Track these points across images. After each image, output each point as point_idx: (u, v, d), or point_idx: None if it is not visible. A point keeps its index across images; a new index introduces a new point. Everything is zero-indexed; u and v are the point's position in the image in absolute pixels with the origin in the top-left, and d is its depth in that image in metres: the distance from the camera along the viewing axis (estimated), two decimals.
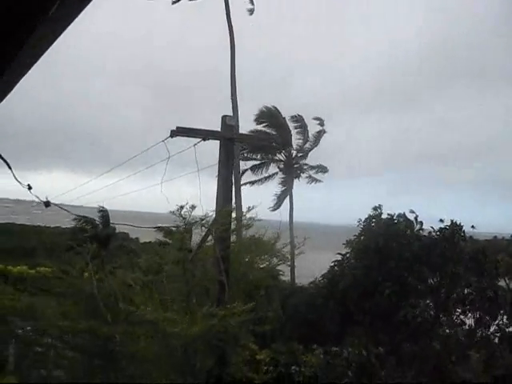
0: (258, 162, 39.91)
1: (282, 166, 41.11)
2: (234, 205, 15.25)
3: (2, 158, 6.36)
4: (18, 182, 6.17)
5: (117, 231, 45.52)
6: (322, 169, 41.90)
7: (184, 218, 13.48)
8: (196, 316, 12.96)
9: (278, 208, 40.10)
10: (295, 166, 40.98)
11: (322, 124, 39.08)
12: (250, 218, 14.67)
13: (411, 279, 16.06)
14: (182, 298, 13.67)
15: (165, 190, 13.98)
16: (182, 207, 13.42)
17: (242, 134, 13.83)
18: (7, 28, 2.90)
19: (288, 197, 40.51)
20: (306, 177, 41.81)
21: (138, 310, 13.42)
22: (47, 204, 7.14)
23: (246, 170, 38.55)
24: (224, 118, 13.76)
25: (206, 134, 13.69)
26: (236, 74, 33.82)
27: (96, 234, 41.79)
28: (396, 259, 16.33)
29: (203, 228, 14.26)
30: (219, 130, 14.14)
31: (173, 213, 13.50)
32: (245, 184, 38.73)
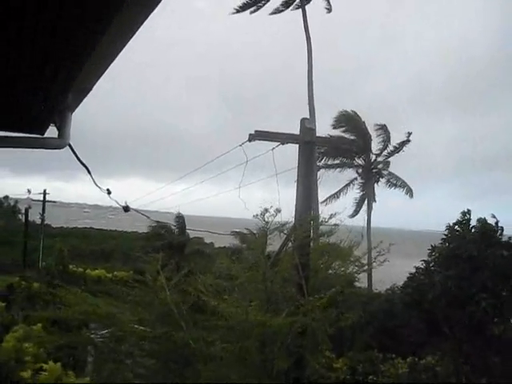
0: (335, 167, 39.22)
1: (360, 171, 40.29)
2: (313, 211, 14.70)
3: (83, 164, 6.15)
4: (98, 186, 6.02)
5: (191, 236, 45.86)
6: (395, 177, 40.80)
7: (267, 223, 13.02)
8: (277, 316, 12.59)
9: (356, 214, 39.22)
10: (374, 170, 40.01)
11: (408, 135, 38.23)
12: (334, 225, 14.08)
13: (506, 292, 15.01)
14: (261, 304, 13.24)
15: (238, 196, 13.71)
16: (266, 210, 12.97)
17: (321, 138, 13.26)
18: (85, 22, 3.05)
19: (366, 202, 39.64)
20: (386, 181, 40.79)
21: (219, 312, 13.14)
22: (126, 209, 6.91)
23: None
24: (303, 120, 13.28)
25: (284, 138, 13.25)
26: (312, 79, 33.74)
27: (171, 240, 42.21)
28: (491, 269, 15.27)
29: (280, 234, 13.81)
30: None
31: (256, 216, 13.06)
32: (327, 199, 38.37)
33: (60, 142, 5.40)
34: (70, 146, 5.72)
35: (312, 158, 13.42)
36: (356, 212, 39.96)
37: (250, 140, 12.87)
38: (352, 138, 36.87)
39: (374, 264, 15.05)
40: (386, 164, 39.79)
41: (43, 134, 5.60)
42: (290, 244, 13.83)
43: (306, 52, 34.42)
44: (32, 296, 32.08)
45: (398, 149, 38.74)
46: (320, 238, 14.24)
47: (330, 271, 15.52)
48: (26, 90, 4.72)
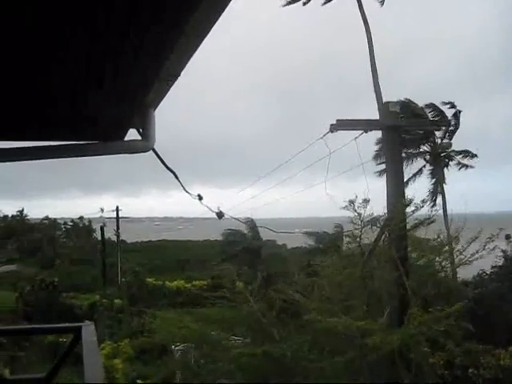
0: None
1: (427, 157, 38.56)
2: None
3: (169, 168, 5.46)
4: (188, 192, 5.39)
5: (264, 239, 45.28)
6: (468, 153, 38.80)
7: (359, 214, 12.01)
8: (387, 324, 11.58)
9: (434, 202, 37.47)
10: (442, 154, 38.20)
11: (453, 106, 35.97)
12: (432, 214, 12.93)
13: None
14: (361, 305, 12.27)
15: (312, 193, 12.89)
16: (352, 202, 11.98)
17: (407, 122, 12.16)
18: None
19: (439, 188, 37.89)
20: (455, 164, 38.89)
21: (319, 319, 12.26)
22: (220, 215, 6.21)
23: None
24: (386, 104, 12.26)
25: (368, 125, 12.27)
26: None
27: (247, 245, 41.73)
28: None
29: (372, 228, 12.77)
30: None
31: (346, 207, 12.05)
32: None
33: (144, 144, 4.69)
34: (153, 149, 5.01)
35: (398, 143, 12.37)
36: (433, 200, 38.23)
37: (331, 130, 11.97)
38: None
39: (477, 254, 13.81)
40: (449, 142, 37.95)
41: (123, 139, 4.90)
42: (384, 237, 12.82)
43: (366, 39, 33.04)
44: (116, 313, 32.18)
45: (456, 124, 36.73)
46: (416, 227, 13.00)
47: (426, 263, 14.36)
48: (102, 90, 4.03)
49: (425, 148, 38.04)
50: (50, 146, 4.64)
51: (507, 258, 29.73)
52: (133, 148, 4.75)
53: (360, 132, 12.28)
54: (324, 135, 12.19)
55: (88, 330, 4.48)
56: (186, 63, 4.04)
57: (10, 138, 4.67)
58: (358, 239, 12.16)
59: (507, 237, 38.14)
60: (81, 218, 75.44)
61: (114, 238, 54.15)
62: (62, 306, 36.97)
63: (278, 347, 12.02)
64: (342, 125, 12.06)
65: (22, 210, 77.29)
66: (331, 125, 11.98)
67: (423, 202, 13.19)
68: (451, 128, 36.10)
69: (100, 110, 4.38)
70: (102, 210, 57.74)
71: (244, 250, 41.99)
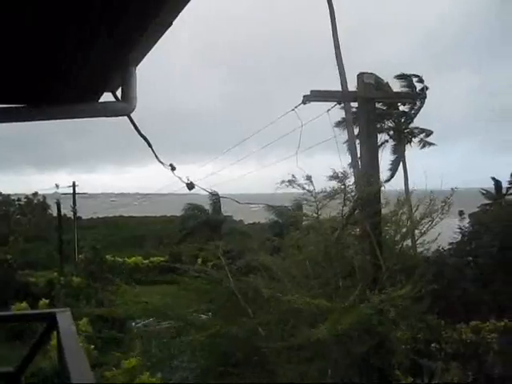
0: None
1: (391, 133, 38.60)
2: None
3: (142, 136, 4.94)
4: (160, 162, 4.95)
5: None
6: (427, 132, 39.11)
7: (309, 191, 11.58)
8: (348, 302, 11.33)
9: (391, 178, 37.62)
10: (405, 131, 38.27)
11: (421, 80, 35.62)
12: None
13: None
14: (329, 282, 11.98)
15: (282, 169, 12.55)
16: (292, 180, 11.55)
17: (382, 93, 11.81)
18: None
19: (402, 165, 38.04)
20: (418, 141, 39.08)
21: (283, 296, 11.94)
22: (191, 186, 5.79)
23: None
24: (361, 75, 11.87)
25: (342, 96, 11.90)
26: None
27: (207, 220, 41.30)
28: None
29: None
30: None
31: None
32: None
33: (123, 107, 4.15)
34: (129, 117, 4.48)
35: (373, 115, 12.03)
36: (392, 176, 38.37)
37: (304, 102, 11.53)
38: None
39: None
40: (411, 119, 38.06)
41: (98, 100, 4.35)
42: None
43: (329, 16, 32.29)
44: (74, 291, 31.42)
45: (422, 101, 36.59)
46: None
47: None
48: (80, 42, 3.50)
49: (388, 124, 38.01)
50: (16, 107, 4.08)
51: (464, 234, 30.11)
52: (110, 110, 4.22)
53: (332, 104, 11.89)
54: (296, 106, 11.76)
55: (64, 317, 3.97)
56: (181, 10, 3.55)
57: None
58: (314, 214, 11.82)
59: (460, 213, 38.76)
60: (35, 194, 73.84)
61: (70, 215, 53.11)
62: (18, 284, 35.93)
63: (252, 323, 11.64)
64: (316, 95, 11.64)
65: None
66: (304, 96, 11.56)
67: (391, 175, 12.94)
68: (417, 104, 35.98)
69: (75, 67, 3.84)
70: (58, 186, 56.36)
71: (204, 224, 41.57)
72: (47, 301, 31.93)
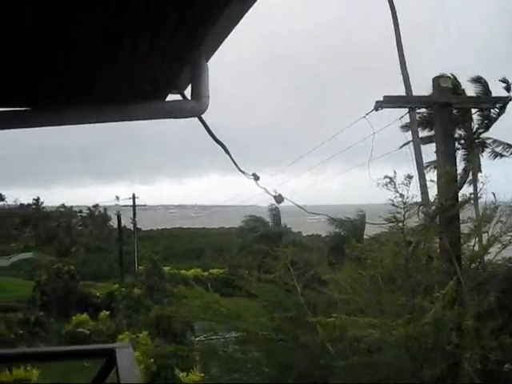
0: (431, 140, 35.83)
1: (462, 142, 36.90)
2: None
3: (218, 141, 4.36)
4: (241, 171, 4.36)
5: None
6: (502, 144, 36.95)
7: (402, 196, 10.67)
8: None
9: (461, 187, 35.70)
10: (477, 140, 36.44)
11: (508, 88, 33.16)
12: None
13: None
14: (405, 299, 11.11)
15: (345, 180, 11.82)
16: (392, 179, 10.64)
17: (461, 98, 10.93)
18: None
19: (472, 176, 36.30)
20: (489, 152, 37.16)
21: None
22: (279, 199, 5.22)
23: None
24: (437, 79, 11.04)
25: (417, 102, 11.10)
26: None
27: (267, 232, 40.67)
28: None
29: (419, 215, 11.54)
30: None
31: (386, 186, 10.66)
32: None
33: (194, 106, 3.57)
34: (200, 119, 3.91)
35: (451, 122, 11.17)
36: (461, 186, 36.47)
37: (376, 108, 10.78)
38: None
39: None
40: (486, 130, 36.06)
41: (165, 99, 3.79)
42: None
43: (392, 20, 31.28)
44: (134, 303, 31.38)
45: (501, 110, 34.44)
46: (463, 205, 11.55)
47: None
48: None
49: (459, 132, 36.30)
50: (79, 110, 3.57)
51: None
52: (179, 111, 3.63)
53: (403, 111, 11.11)
54: (368, 113, 11.02)
55: (125, 354, 3.38)
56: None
57: (31, 105, 3.64)
58: (400, 224, 10.92)
59: None
60: (96, 206, 75.18)
61: (130, 226, 53.53)
62: (79, 295, 36.26)
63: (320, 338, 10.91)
64: (389, 101, 10.87)
65: (38, 198, 77.13)
66: (377, 101, 10.81)
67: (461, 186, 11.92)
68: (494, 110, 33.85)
69: (136, 60, 3.30)
70: (118, 198, 57.14)
71: (263, 236, 40.96)
72: (107, 312, 32.03)
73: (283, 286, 13.71)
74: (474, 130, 35.59)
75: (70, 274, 37.31)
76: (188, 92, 3.72)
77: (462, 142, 36.42)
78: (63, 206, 75.68)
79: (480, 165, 36.31)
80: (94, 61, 3.23)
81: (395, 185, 10.44)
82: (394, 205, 10.97)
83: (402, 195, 10.50)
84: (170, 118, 3.69)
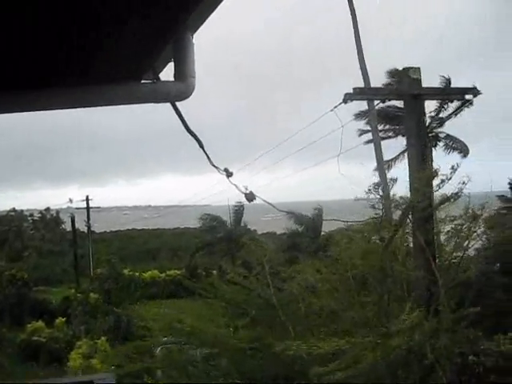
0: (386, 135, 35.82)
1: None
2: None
3: (193, 135, 3.82)
4: (214, 166, 3.88)
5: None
6: (454, 139, 37.27)
7: (381, 197, 10.37)
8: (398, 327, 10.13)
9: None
10: (430, 135, 36.66)
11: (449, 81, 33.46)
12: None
13: None
14: (377, 302, 10.76)
15: (310, 176, 11.43)
16: (378, 185, 10.40)
17: (431, 89, 10.63)
18: None
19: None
20: (443, 145, 37.39)
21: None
22: (250, 197, 4.76)
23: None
24: (406, 70, 10.71)
25: (387, 93, 10.75)
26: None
27: (226, 232, 40.07)
28: None
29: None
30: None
31: (369, 191, 10.43)
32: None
33: (179, 88, 3.03)
34: (174, 105, 3.36)
35: (422, 113, 10.85)
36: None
37: (345, 101, 10.39)
38: None
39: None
40: (440, 124, 36.20)
41: (140, 80, 3.22)
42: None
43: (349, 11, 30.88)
44: (91, 308, 30.40)
45: (457, 111, 34.69)
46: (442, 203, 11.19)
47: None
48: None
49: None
50: (34, 92, 2.98)
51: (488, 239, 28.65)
52: (162, 94, 3.07)
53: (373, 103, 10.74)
54: (336, 106, 10.62)
55: None
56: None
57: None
58: (377, 229, 10.59)
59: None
60: (47, 209, 73.15)
61: (83, 229, 52.32)
62: (33, 302, 34.98)
63: (294, 345, 10.37)
64: (358, 94, 10.50)
65: None
66: (346, 94, 10.41)
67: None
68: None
69: (110, 32, 2.75)
70: (71, 201, 55.64)
71: (225, 237, 40.49)
72: (64, 319, 30.94)
73: (251, 285, 13.21)
74: (427, 124, 35.78)
75: (22, 279, 36.00)
76: (166, 73, 3.19)
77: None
78: (14, 209, 73.43)
79: (432, 160, 36.55)
80: (62, 36, 2.66)
81: (378, 186, 10.17)
82: (374, 205, 10.71)
83: (380, 193, 10.18)
84: (151, 101, 3.13)
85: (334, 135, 13.57)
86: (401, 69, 11.26)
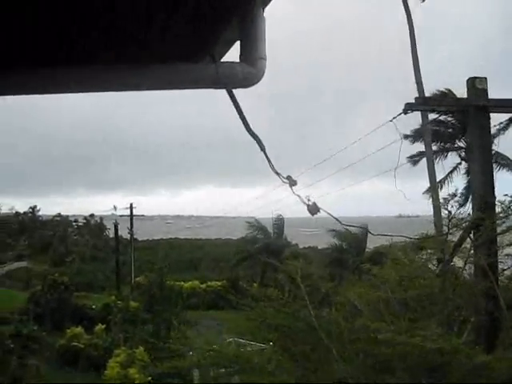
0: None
1: (463, 154, 35.83)
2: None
3: (255, 137, 3.30)
4: (276, 173, 3.36)
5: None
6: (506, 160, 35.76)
7: (450, 213, 9.70)
8: None
9: (466, 202, 34.66)
10: None
11: None
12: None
13: None
14: (435, 321, 9.94)
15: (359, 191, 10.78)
16: (454, 195, 9.73)
17: (498, 101, 9.91)
18: None
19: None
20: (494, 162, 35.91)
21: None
22: (313, 210, 4.22)
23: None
24: (472, 80, 10.02)
25: (449, 104, 10.09)
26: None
27: (268, 244, 39.48)
28: None
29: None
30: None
31: (442, 205, 9.79)
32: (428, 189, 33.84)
33: (250, 71, 2.53)
34: (230, 93, 2.84)
35: (488, 126, 10.14)
36: (466, 200, 35.34)
37: (405, 111, 9.77)
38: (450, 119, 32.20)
39: None
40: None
41: (200, 60, 2.73)
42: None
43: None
44: (131, 316, 30.16)
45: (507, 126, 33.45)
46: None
47: None
48: None
49: (460, 144, 35.28)
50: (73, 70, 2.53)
51: None
52: (228, 77, 2.57)
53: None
54: (395, 117, 10.01)
55: None
56: None
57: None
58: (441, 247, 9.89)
59: None
60: (92, 215, 74.23)
61: (126, 236, 52.54)
62: (74, 307, 35.07)
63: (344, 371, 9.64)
64: (420, 104, 9.87)
65: (34, 207, 76.04)
66: (406, 104, 9.79)
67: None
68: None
69: (175, 11, 2.27)
70: (115, 208, 56.29)
71: (264, 248, 39.87)
72: (103, 326, 30.83)
73: (292, 306, 12.44)
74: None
75: (65, 285, 36.17)
76: (231, 55, 2.71)
77: (463, 154, 35.42)
78: (59, 215, 74.73)
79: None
80: (107, 10, 2.21)
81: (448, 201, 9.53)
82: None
83: (449, 211, 9.52)
84: (212, 86, 2.64)
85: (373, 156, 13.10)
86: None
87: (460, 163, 36.19)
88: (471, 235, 10.02)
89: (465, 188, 36.15)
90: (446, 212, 9.56)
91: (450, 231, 9.91)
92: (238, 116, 2.79)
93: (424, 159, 28.54)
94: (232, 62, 2.59)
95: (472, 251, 10.12)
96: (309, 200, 4.58)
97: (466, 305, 10.18)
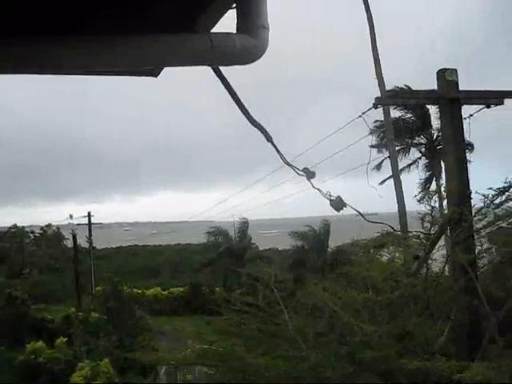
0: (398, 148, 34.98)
1: (423, 150, 36.20)
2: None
3: (259, 127, 2.86)
4: (290, 165, 3.06)
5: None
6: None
7: (432, 208, 9.42)
8: None
9: (424, 197, 34.92)
10: (438, 147, 35.82)
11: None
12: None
13: None
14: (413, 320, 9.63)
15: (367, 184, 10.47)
16: (430, 193, 9.46)
17: (469, 92, 9.65)
18: None
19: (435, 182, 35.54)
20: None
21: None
22: (338, 205, 3.84)
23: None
24: (442, 72, 9.77)
25: (420, 97, 9.82)
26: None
27: (229, 248, 39.10)
28: None
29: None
30: None
31: (420, 201, 9.51)
32: (385, 180, 33.96)
33: (252, 43, 2.08)
34: (227, 82, 2.41)
35: (460, 119, 9.89)
36: (424, 194, 35.63)
37: (375, 106, 9.46)
38: (408, 115, 32.54)
39: None
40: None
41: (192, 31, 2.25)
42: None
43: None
44: (93, 328, 29.27)
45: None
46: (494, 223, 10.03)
47: None
48: None
49: (420, 140, 35.62)
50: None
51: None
52: (221, 50, 2.11)
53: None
54: (364, 112, 9.69)
55: None
56: None
57: None
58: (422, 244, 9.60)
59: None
60: (49, 225, 72.40)
61: (84, 245, 51.51)
62: (33, 320, 33.85)
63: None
64: (390, 97, 9.57)
65: None
66: (376, 98, 9.47)
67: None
68: None
69: None
70: (71, 217, 54.96)
71: (226, 252, 39.57)
72: (65, 339, 29.79)
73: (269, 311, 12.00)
74: (435, 137, 34.99)
75: (22, 298, 34.92)
76: (223, 25, 2.24)
77: (423, 149, 35.81)
78: (15, 226, 72.71)
79: (441, 173, 35.70)
80: None
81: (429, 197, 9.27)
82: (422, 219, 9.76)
83: (432, 207, 9.26)
84: (206, 64, 2.17)
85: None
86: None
87: (420, 158, 36.57)
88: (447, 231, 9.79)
89: (424, 183, 36.56)
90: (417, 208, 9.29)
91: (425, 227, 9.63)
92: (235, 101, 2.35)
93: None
94: (228, 33, 2.13)
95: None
96: (330, 195, 4.17)
97: (447, 302, 9.91)
